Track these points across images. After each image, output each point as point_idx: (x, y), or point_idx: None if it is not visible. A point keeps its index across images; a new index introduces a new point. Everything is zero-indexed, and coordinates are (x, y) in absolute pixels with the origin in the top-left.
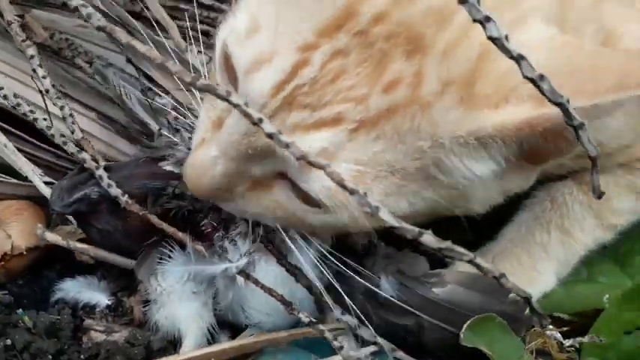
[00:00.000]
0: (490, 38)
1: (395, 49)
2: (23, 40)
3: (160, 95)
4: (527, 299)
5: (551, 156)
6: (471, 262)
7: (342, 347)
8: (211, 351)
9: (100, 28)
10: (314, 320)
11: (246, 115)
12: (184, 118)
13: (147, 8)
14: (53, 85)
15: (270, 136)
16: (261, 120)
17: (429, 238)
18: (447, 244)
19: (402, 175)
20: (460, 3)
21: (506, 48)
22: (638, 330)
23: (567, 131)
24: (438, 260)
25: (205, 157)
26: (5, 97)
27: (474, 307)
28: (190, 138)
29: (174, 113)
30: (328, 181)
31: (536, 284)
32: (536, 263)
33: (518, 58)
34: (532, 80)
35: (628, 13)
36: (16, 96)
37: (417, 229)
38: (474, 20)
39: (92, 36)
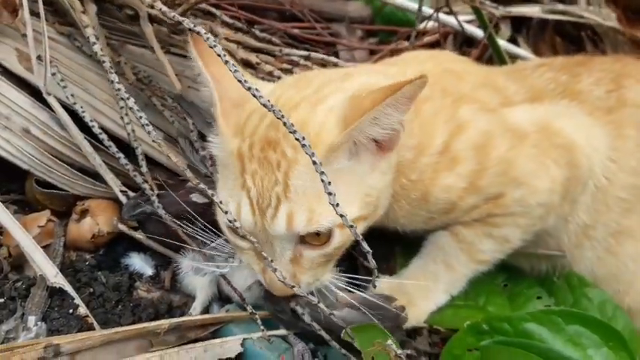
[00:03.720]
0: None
1: (270, 153)
2: (122, 98)
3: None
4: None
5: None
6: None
7: (263, 329)
8: (198, 318)
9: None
10: (254, 311)
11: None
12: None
13: None
14: (133, 130)
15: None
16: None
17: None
18: None
19: None
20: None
21: (279, 114)
22: (474, 350)
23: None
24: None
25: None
26: (103, 139)
27: (361, 320)
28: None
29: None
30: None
31: (430, 300)
32: (430, 285)
33: (280, 117)
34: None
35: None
36: (110, 139)
37: None
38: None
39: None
